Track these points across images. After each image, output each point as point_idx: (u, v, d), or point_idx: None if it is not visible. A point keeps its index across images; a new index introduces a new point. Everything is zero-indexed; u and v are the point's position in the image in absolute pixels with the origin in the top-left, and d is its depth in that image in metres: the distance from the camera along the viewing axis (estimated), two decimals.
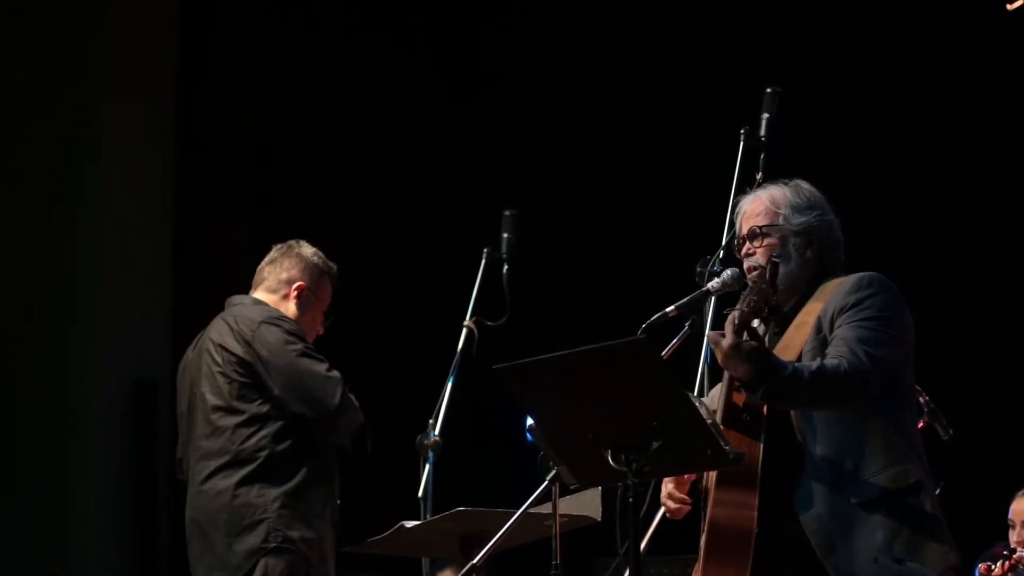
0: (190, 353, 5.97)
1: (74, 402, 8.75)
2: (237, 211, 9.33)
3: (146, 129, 9.10)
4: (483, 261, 6.31)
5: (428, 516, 5.86)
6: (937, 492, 4.68)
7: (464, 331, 6.21)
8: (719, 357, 4.40)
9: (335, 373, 5.78)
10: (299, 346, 5.76)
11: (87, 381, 8.77)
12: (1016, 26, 5.65)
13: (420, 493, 5.97)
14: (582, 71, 9.24)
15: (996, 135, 8.41)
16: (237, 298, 5.97)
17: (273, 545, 5.67)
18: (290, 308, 5.92)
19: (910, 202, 8.44)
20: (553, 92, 9.25)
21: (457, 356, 6.17)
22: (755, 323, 4.42)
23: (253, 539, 5.67)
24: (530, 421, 4.65)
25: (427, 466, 5.97)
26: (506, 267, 6.28)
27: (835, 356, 4.50)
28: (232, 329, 5.78)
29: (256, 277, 6.01)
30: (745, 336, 4.36)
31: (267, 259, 6.02)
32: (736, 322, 4.35)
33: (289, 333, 5.77)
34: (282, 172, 9.39)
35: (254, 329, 5.75)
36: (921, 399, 5.91)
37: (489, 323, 6.22)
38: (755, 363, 4.35)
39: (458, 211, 8.83)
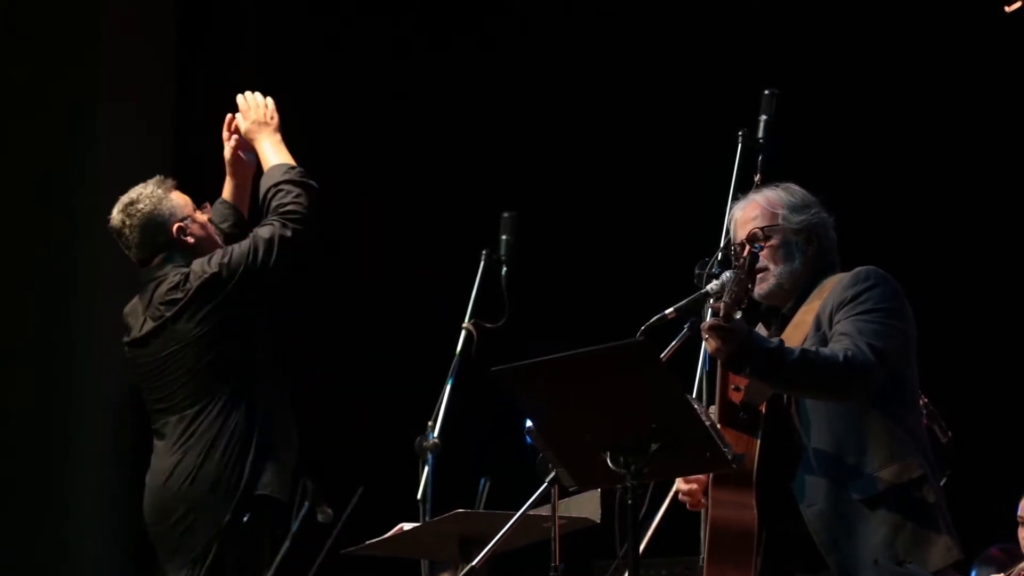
0: (136, 323, 5.79)
1: (73, 399, 8.74)
2: None
3: (147, 128, 9.09)
4: (482, 263, 6.30)
5: (427, 518, 5.87)
6: (943, 482, 4.68)
7: (463, 333, 6.21)
8: (707, 343, 4.41)
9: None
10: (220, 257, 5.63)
11: (86, 378, 8.75)
12: (1014, 28, 5.66)
13: (419, 495, 5.97)
14: (580, 72, 9.24)
15: (996, 137, 8.41)
16: (153, 271, 5.76)
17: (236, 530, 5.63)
18: (190, 244, 5.75)
19: (909, 204, 8.45)
20: (552, 94, 9.25)
21: (456, 358, 6.17)
22: (738, 315, 4.42)
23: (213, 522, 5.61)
24: (529, 423, 4.65)
25: (426, 468, 5.97)
26: (505, 269, 6.27)
27: (838, 349, 4.50)
28: (179, 283, 5.63)
29: (136, 258, 5.80)
30: None
31: (133, 242, 5.77)
32: (721, 314, 4.36)
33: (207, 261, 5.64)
34: None
35: (204, 264, 5.63)
36: (920, 401, 5.91)
37: (488, 325, 6.21)
38: (737, 341, 4.35)
39: (457, 213, 8.84)
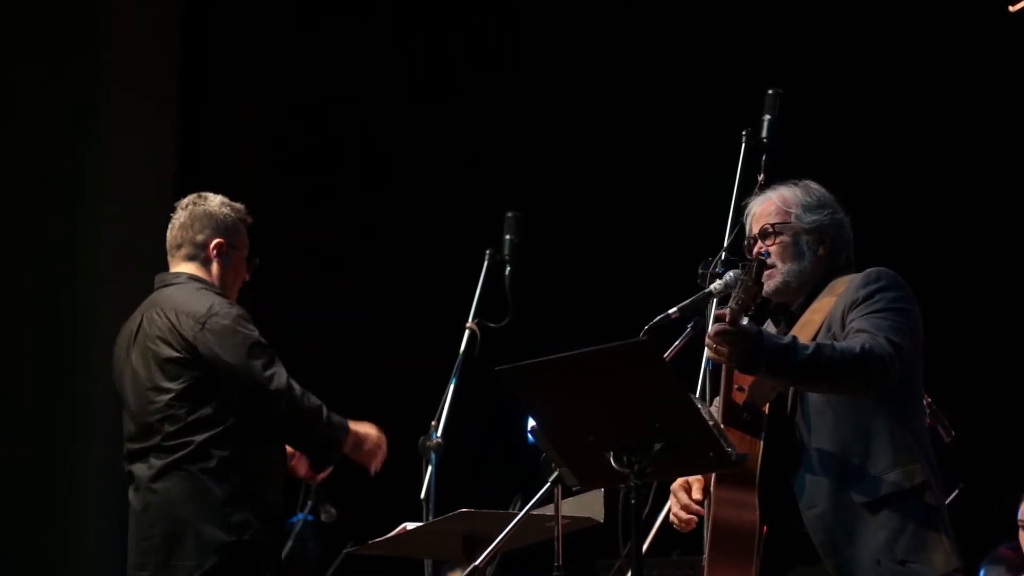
0: (125, 344, 5.68)
1: (75, 396, 8.74)
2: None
3: (150, 127, 9.09)
4: (485, 262, 6.31)
5: (431, 517, 5.87)
6: (956, 493, 4.66)
7: (466, 333, 6.22)
8: (711, 351, 4.40)
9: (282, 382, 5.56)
10: (253, 348, 5.50)
11: (87, 375, 8.75)
12: (1018, 28, 5.66)
13: (423, 494, 5.98)
14: (585, 73, 9.24)
15: (999, 136, 8.41)
16: (168, 277, 5.71)
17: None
18: (214, 269, 5.68)
19: (912, 203, 8.45)
20: (556, 94, 9.25)
21: (459, 358, 6.18)
22: (745, 320, 4.42)
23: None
24: (532, 423, 4.65)
25: (429, 467, 5.98)
26: (508, 268, 6.29)
27: (854, 342, 4.49)
28: (172, 327, 5.52)
29: (170, 242, 5.75)
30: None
31: (178, 221, 5.72)
32: (727, 320, 4.37)
33: (236, 328, 5.52)
34: (286, 170, 9.40)
35: (196, 331, 5.49)
36: (924, 400, 5.92)
37: (491, 325, 6.22)
38: (747, 342, 4.35)
39: (461, 212, 8.84)
